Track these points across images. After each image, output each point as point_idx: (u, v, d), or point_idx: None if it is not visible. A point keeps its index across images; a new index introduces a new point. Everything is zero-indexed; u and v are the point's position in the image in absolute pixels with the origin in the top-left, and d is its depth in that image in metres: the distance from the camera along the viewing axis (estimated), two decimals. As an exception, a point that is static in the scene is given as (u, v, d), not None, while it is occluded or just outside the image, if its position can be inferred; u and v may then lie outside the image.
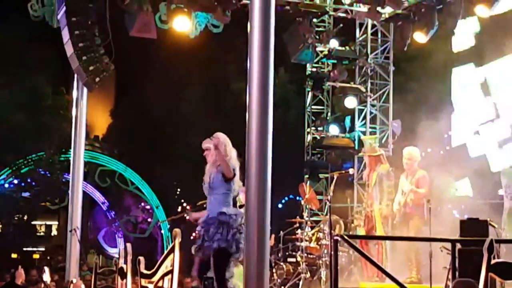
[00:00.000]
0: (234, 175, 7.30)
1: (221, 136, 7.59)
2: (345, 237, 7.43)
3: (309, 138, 16.15)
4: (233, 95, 21.36)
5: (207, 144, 7.72)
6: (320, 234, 12.95)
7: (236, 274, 9.77)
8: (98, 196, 23.56)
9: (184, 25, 12.56)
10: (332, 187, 10.35)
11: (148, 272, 7.15)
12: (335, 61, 15.31)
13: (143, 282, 7.14)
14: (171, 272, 6.81)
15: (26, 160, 19.66)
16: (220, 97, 22.54)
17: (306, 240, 13.02)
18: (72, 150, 12.56)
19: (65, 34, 11.57)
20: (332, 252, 7.09)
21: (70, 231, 12.26)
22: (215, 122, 21.71)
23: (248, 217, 6.72)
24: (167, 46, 16.95)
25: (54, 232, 27.53)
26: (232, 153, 7.43)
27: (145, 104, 23.88)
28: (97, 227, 26.09)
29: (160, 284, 6.84)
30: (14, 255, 22.49)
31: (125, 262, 8.04)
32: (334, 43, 14.89)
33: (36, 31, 19.04)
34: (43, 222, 26.50)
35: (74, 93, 12.67)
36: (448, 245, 8.44)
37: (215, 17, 12.59)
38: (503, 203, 12.74)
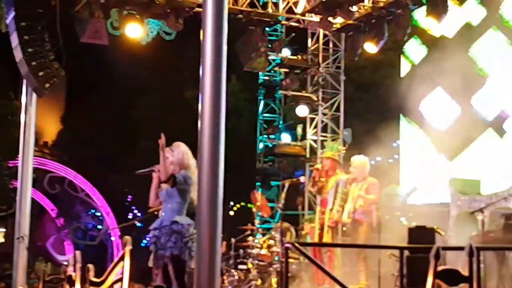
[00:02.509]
0: (175, 183, 7.36)
1: (180, 146, 7.62)
2: (296, 244, 7.50)
3: (261, 145, 16.26)
4: (187, 103, 21.34)
5: (166, 153, 7.73)
6: (271, 241, 13.01)
7: None
8: (47, 203, 23.27)
9: (136, 31, 12.51)
10: (283, 195, 10.41)
11: (98, 280, 7.09)
12: (287, 70, 15.46)
13: (93, 290, 7.07)
14: (121, 280, 6.76)
15: (-28, 166, 19.37)
16: (173, 104, 22.49)
17: (258, 247, 13.05)
18: (20, 156, 12.38)
19: (14, 39, 11.41)
20: (283, 259, 7.17)
21: (18, 238, 12.08)
22: (167, 129, 21.65)
23: (199, 225, 6.72)
24: (119, 52, 16.87)
25: (1, 239, 27.10)
26: (191, 162, 7.44)
27: (96, 111, 23.69)
28: (46, 234, 25.74)
29: (109, 292, 6.77)
30: (-40, 262, 22.09)
31: (74, 270, 7.96)
32: (286, 52, 15.04)
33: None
34: (-10, 230, 26.09)
35: (23, 99, 12.50)
36: (397, 252, 8.58)
37: (168, 25, 12.57)
38: (449, 211, 12.99)
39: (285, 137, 15.53)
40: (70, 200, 23.65)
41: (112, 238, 23.15)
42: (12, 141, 18.41)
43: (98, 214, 24.09)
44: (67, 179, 22.50)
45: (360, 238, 10.69)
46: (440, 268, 6.42)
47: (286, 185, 10.46)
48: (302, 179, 11.44)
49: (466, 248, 5.88)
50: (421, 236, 8.90)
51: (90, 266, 7.28)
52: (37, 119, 12.61)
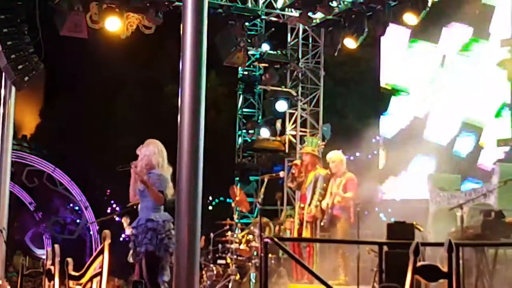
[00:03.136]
0: (161, 191, 7.37)
1: (150, 144, 7.61)
2: (275, 239, 7.52)
3: (240, 140, 16.25)
4: (166, 97, 21.28)
5: (138, 151, 7.74)
6: (250, 236, 13.03)
7: None
8: (25, 197, 23.10)
9: (115, 25, 12.46)
10: (262, 190, 10.42)
11: (77, 274, 7.07)
12: (266, 65, 15.46)
13: (71, 284, 7.05)
14: (100, 274, 6.75)
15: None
16: (152, 99, 22.42)
17: (236, 242, 13.07)
18: (-2, 150, 12.31)
19: (-7, 32, 11.34)
20: (262, 254, 7.17)
21: (-4, 232, 12.01)
22: (147, 124, 21.59)
23: (178, 219, 6.73)
24: (99, 46, 16.77)
25: (-21, 233, 26.96)
26: (160, 159, 7.42)
27: (75, 104, 23.53)
28: (24, 228, 25.56)
29: (88, 286, 6.76)
30: None
31: (53, 264, 7.93)
32: (266, 47, 15.05)
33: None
34: (-33, 223, 25.89)
35: (2, 91, 12.41)
36: (376, 247, 8.63)
37: (147, 19, 12.54)
38: (428, 207, 13.07)
39: (264, 132, 15.54)
40: (49, 194, 23.50)
41: (91, 233, 23.05)
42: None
43: (77, 208, 23.95)
44: (46, 173, 22.36)
45: (338, 234, 10.74)
46: (419, 264, 6.47)
47: (265, 180, 10.48)
48: (281, 174, 11.48)
49: (446, 244, 5.92)
50: (400, 232, 8.98)
51: (69, 260, 7.26)
52: (15, 112, 12.55)
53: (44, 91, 27.46)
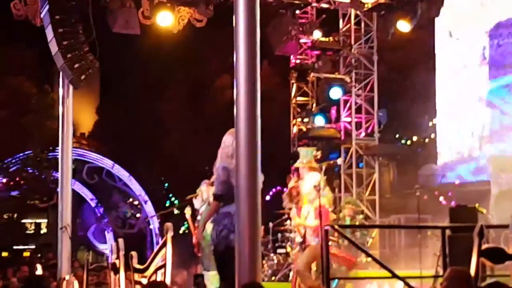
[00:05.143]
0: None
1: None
2: (336, 226, 7.52)
3: (294, 129, 16.22)
4: (216, 91, 21.40)
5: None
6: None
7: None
8: (86, 193, 23.53)
9: (167, 20, 12.55)
10: (321, 177, 10.31)
11: (141, 267, 7.17)
12: (319, 52, 15.38)
13: (137, 276, 7.16)
14: (164, 266, 6.83)
15: (14, 159, 19.62)
16: (203, 93, 22.56)
17: (295, 231, 13.07)
18: (60, 148, 12.53)
19: (49, 33, 11.53)
20: (323, 242, 7.17)
21: (61, 228, 12.24)
22: (198, 117, 21.76)
23: (239, 212, 6.73)
24: (151, 42, 16.94)
25: (43, 230, 27.47)
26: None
27: (129, 100, 23.85)
28: (86, 223, 26.05)
29: (153, 278, 6.86)
30: (4, 254, 22.46)
31: (118, 257, 8.05)
32: (317, 34, 14.95)
33: (18, 30, 19.00)
34: (32, 220, 26.42)
35: (60, 91, 12.63)
36: (438, 232, 8.54)
37: (198, 11, 12.58)
38: (489, 189, 12.87)
39: (319, 120, 15.47)
40: (109, 189, 23.91)
41: (151, 226, 23.36)
42: (49, 133, 18.68)
43: (136, 202, 24.31)
44: (105, 169, 22.76)
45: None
46: (484, 246, 6.38)
47: (323, 167, 10.38)
48: (338, 161, 11.37)
49: (511, 225, 5.82)
50: (463, 215, 8.87)
51: (134, 253, 7.37)
52: (73, 110, 12.74)
53: (99, 89, 27.89)
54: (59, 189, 12.62)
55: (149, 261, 7.06)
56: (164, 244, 6.91)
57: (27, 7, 12.31)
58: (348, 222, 12.53)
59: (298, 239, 10.98)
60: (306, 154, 10.14)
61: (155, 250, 7.15)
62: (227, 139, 7.22)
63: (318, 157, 10.82)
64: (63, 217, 12.23)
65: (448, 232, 7.77)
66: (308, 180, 9.31)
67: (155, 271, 6.90)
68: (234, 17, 6.87)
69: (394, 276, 7.10)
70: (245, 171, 6.71)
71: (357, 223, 12.59)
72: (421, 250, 10.10)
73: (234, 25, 6.87)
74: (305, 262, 9.10)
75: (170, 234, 6.87)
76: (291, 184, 10.20)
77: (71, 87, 12.32)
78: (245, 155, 6.70)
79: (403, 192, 13.74)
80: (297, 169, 10.75)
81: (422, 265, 9.62)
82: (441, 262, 7.59)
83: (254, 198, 6.70)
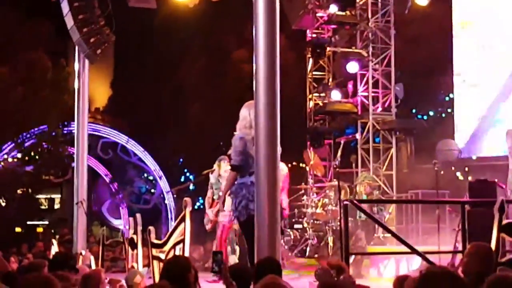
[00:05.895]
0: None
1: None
2: (355, 201, 7.46)
3: (311, 104, 16.11)
4: (233, 64, 21.27)
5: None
6: (326, 200, 12.99)
7: None
8: (101, 168, 23.57)
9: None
10: (339, 152, 10.29)
11: (159, 242, 7.16)
12: (335, 26, 15.24)
13: (155, 251, 7.15)
14: (182, 241, 6.81)
15: (29, 134, 19.64)
16: (219, 66, 22.43)
17: (312, 206, 13.07)
18: (76, 122, 12.53)
19: (65, 7, 11.49)
20: (342, 217, 7.13)
21: (77, 203, 12.28)
22: (214, 91, 21.66)
23: (258, 187, 6.69)
24: (167, 16, 16.86)
25: (57, 205, 27.57)
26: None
27: (144, 75, 23.77)
28: (101, 199, 26.12)
29: (172, 253, 6.84)
30: (18, 229, 22.57)
31: (135, 233, 8.05)
32: (334, 8, 14.82)
33: (33, 4, 18.97)
34: (47, 196, 26.51)
35: (76, 66, 12.60)
36: (457, 207, 8.47)
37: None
38: (507, 164, 12.73)
39: (336, 95, 15.35)
40: (123, 165, 23.92)
41: (166, 202, 23.41)
42: (64, 108, 18.67)
43: (151, 178, 24.34)
44: (120, 144, 22.76)
45: None
46: (505, 221, 6.32)
47: (342, 142, 10.36)
48: (357, 135, 11.31)
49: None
50: (482, 190, 8.80)
51: (151, 228, 7.37)
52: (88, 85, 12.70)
53: (113, 63, 27.81)
54: (74, 164, 12.64)
55: (167, 236, 7.05)
56: (183, 219, 6.88)
57: (42, -19, 12.29)
58: (365, 197, 12.50)
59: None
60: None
61: (173, 225, 7.14)
62: (244, 112, 7.20)
63: None
64: (79, 193, 12.27)
65: (467, 207, 7.71)
66: None
67: (174, 246, 6.89)
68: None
69: (413, 251, 7.06)
70: (265, 146, 6.67)
71: (374, 198, 12.56)
72: (439, 225, 10.05)
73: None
74: None
75: (188, 209, 6.85)
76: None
77: (87, 62, 12.30)
78: (264, 126, 6.66)
79: (420, 167, 13.65)
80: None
81: (440, 241, 9.56)
82: (460, 237, 7.53)
83: (274, 169, 6.68)
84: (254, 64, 6.74)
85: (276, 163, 6.68)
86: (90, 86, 12.84)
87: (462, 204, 7.68)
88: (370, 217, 7.74)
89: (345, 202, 6.99)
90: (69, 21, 11.41)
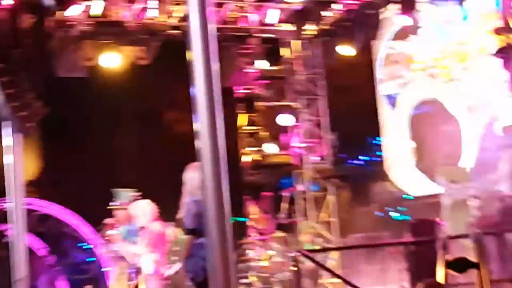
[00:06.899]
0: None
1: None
2: (305, 251, 7.57)
3: (247, 158, 16.20)
4: (166, 126, 21.31)
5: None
6: (271, 252, 13.04)
7: None
8: (35, 242, 23.04)
9: (110, 61, 12.58)
10: (284, 205, 10.38)
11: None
12: (265, 81, 15.52)
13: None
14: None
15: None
16: (152, 129, 22.47)
17: (258, 260, 13.07)
18: (12, 198, 12.23)
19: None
20: (294, 268, 7.23)
21: (18, 281, 11.94)
22: (149, 155, 21.62)
23: (211, 242, 6.72)
24: (95, 83, 16.85)
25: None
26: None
27: (76, 144, 23.55)
28: (36, 274, 25.48)
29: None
30: None
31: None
32: (262, 64, 15.12)
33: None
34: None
35: (9, 140, 12.37)
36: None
37: (143, 51, 12.64)
38: (439, 201, 13.09)
39: (270, 148, 15.54)
40: (58, 236, 23.46)
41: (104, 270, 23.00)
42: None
43: (88, 247, 23.91)
44: (54, 216, 22.35)
45: None
46: (448, 257, 6.54)
47: (286, 195, 10.50)
48: (298, 188, 11.49)
49: (471, 234, 6.01)
50: (422, 229, 9.06)
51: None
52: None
53: (41, 134, 27.45)
54: (14, 241, 12.32)
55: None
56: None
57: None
58: (309, 246, 12.64)
59: None
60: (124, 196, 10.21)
61: None
62: (191, 174, 7.28)
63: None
64: (19, 269, 11.95)
65: (411, 247, 7.93)
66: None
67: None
68: (187, 52, 6.89)
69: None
70: (212, 203, 6.74)
71: (317, 246, 12.71)
72: (384, 266, 10.25)
73: (191, 59, 6.88)
74: None
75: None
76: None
77: (20, 136, 12.15)
78: (211, 187, 6.73)
79: (360, 211, 13.91)
80: None
81: (386, 281, 9.75)
82: (407, 276, 7.73)
83: (224, 232, 6.72)
84: (196, 124, 6.83)
85: (226, 224, 6.75)
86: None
87: (404, 244, 7.90)
88: (320, 266, 7.86)
89: (296, 253, 7.09)
90: (-2, 96, 11.29)
